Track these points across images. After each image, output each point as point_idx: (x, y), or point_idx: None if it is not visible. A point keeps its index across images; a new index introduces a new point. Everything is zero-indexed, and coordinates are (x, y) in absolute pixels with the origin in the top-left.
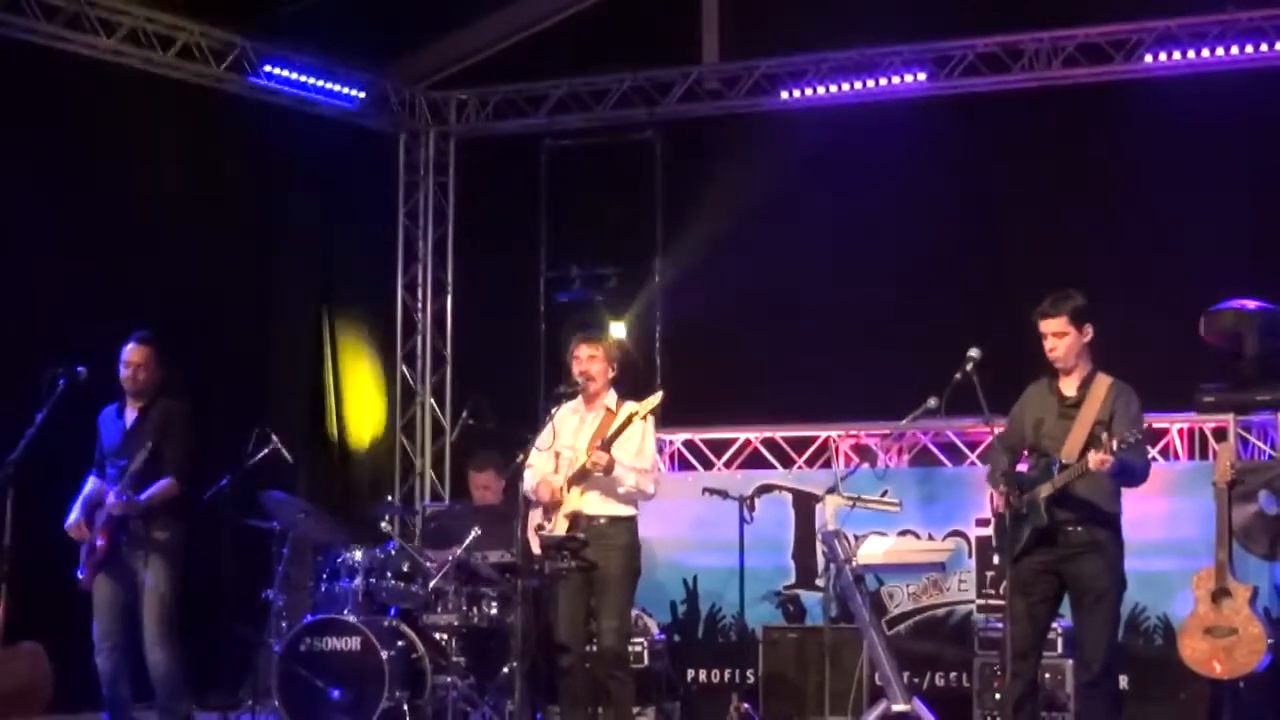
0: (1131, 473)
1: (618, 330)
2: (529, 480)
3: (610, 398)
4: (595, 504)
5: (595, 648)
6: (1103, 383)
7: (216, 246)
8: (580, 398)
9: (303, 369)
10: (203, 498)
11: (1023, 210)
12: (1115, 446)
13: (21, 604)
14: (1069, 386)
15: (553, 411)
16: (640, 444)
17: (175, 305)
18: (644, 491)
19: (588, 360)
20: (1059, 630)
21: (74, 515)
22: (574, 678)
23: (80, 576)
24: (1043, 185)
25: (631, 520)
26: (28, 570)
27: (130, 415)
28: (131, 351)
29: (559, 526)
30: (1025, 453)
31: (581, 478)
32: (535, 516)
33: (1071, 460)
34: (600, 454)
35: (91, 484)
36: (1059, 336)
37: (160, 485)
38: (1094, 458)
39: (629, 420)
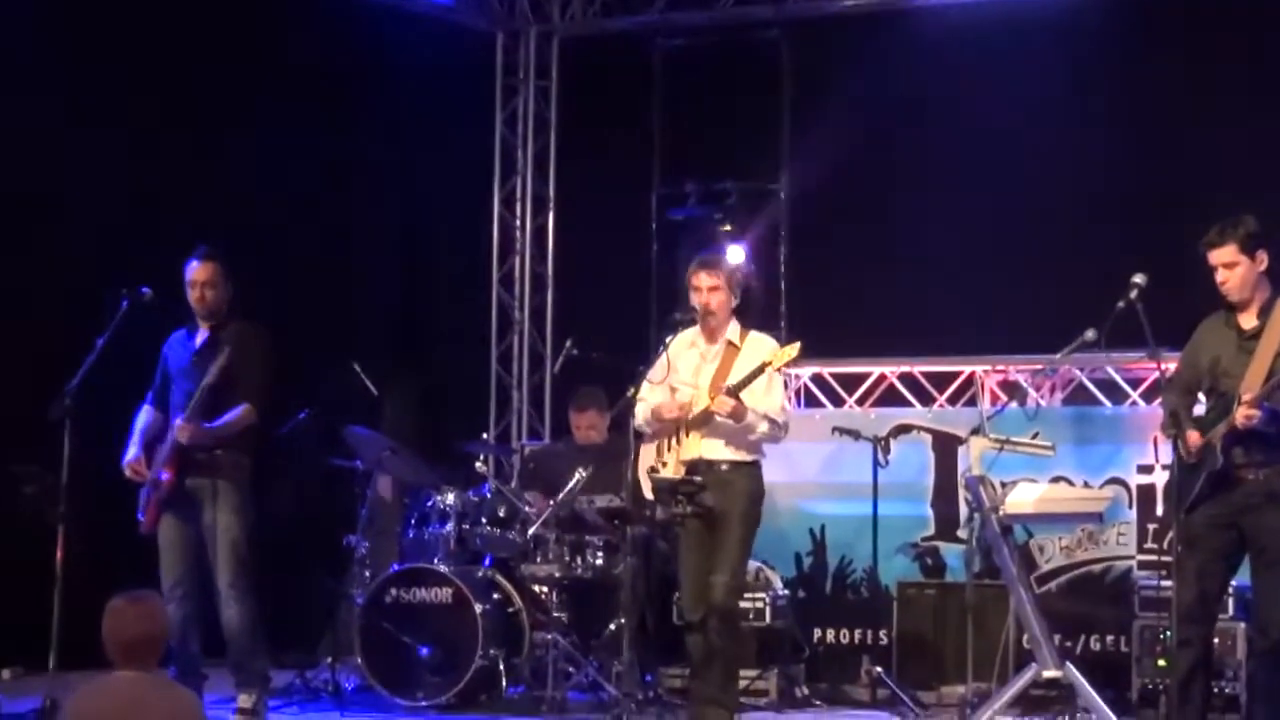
0: None
1: (736, 254)
2: (640, 414)
3: (733, 330)
4: (717, 449)
5: None
6: None
7: (296, 156)
8: (698, 328)
9: (389, 292)
10: (278, 432)
11: (1197, 120)
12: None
13: (83, 546)
14: (1247, 319)
15: (667, 341)
16: (768, 388)
17: (251, 220)
18: (775, 439)
19: (709, 291)
20: (1233, 590)
21: (131, 451)
22: (704, 634)
23: (141, 519)
24: (1223, 92)
25: (755, 465)
26: (89, 510)
27: (201, 336)
28: (196, 269)
29: (674, 472)
30: (1202, 394)
31: (703, 422)
32: (648, 457)
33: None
34: (725, 400)
35: (145, 415)
36: (1229, 268)
37: (234, 413)
38: (1240, 413)
39: (760, 369)
